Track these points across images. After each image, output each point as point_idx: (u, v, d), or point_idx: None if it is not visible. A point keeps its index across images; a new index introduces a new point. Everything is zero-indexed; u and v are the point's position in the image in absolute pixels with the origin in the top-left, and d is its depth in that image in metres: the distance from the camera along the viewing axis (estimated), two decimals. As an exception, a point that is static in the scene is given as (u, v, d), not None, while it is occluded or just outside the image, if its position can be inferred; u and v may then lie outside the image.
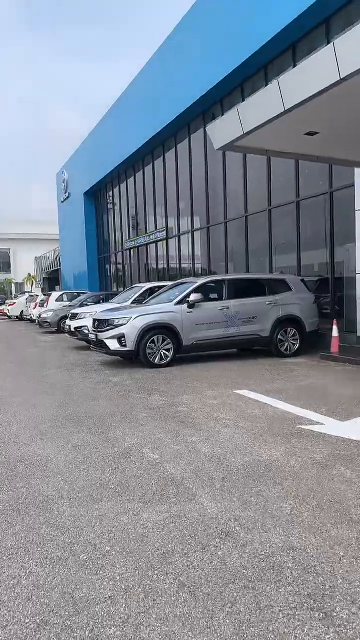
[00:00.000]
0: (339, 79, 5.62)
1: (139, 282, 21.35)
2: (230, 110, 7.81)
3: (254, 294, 9.82)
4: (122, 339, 8.78)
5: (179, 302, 9.15)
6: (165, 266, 19.31)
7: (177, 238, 18.02)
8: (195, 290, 9.27)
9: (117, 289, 25.23)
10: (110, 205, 25.81)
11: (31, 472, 3.96)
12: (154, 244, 20.04)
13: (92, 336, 9.46)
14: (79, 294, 21.40)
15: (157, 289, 12.76)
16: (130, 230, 23.05)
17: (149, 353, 8.81)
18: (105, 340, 8.95)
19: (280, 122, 7.05)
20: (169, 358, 8.94)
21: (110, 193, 25.51)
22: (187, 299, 9.14)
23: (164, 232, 18.70)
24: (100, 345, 9.15)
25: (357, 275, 9.63)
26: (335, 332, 9.60)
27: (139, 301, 12.23)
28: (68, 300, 21.66)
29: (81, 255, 28.58)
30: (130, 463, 4.09)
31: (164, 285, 12.37)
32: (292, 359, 9.49)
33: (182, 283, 10.12)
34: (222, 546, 2.72)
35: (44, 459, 4.25)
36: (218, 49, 13.10)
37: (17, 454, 4.41)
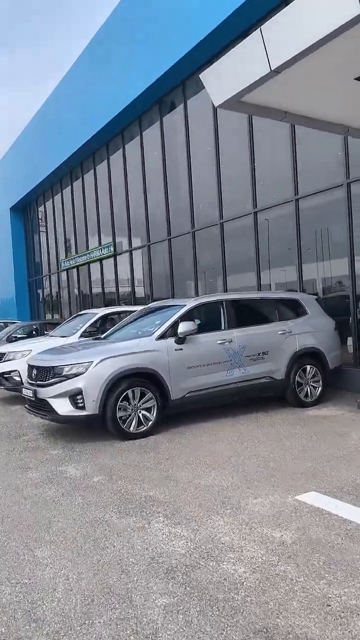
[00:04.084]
0: None
1: (80, 309, 18.05)
2: (245, 40, 5.06)
3: (261, 320, 7.01)
4: (79, 397, 5.58)
5: (162, 336, 6.13)
6: (114, 289, 16.19)
7: (129, 254, 15.01)
8: (184, 317, 6.29)
9: (52, 317, 21.69)
10: (42, 221, 22.38)
11: None
12: (99, 263, 16.89)
13: (27, 392, 6.14)
14: (5, 324, 17.67)
15: (116, 316, 9.69)
16: (68, 248, 19.75)
17: (121, 417, 5.66)
18: (51, 401, 5.70)
19: (332, 48, 4.39)
20: (151, 423, 5.84)
21: (43, 207, 22.14)
22: (175, 330, 6.15)
23: (111, 247, 15.64)
24: (43, 407, 5.87)
25: None
26: (369, 368, 6.99)
27: (90, 334, 9.05)
28: (-7, 333, 17.88)
29: (8, 279, 24.73)
30: None
31: (127, 311, 9.33)
32: (321, 410, 6.71)
33: (160, 308, 7.10)
34: None
35: None
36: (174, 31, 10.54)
37: None
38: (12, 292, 24.39)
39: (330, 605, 2.38)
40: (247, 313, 6.96)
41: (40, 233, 22.60)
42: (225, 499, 3.79)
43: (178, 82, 11.83)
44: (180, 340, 6.12)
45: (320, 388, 7.17)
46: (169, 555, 2.97)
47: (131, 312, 9.22)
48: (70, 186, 19.03)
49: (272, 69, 4.74)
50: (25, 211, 24.33)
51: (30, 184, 21.02)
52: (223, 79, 5.38)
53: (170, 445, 5.37)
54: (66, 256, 19.75)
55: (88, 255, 17.36)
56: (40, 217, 22.61)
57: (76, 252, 18.75)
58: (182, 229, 12.31)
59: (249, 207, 10.01)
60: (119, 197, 15.35)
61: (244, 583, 2.63)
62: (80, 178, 18.04)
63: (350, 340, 8.33)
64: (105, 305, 15.84)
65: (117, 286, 16.03)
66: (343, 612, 2.33)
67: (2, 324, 18.94)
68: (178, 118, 12.26)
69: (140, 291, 15.01)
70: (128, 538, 3.24)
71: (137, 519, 3.54)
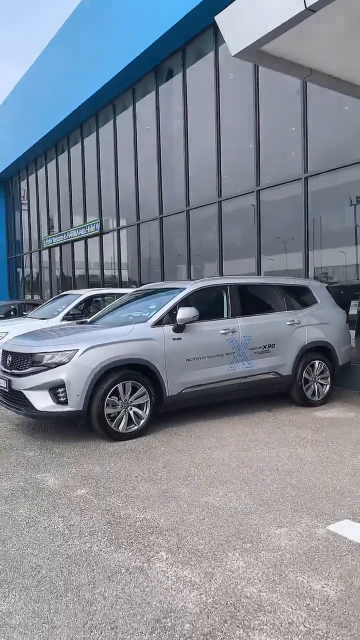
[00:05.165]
0: None
1: (61, 290, 17.14)
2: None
3: (268, 308, 6.29)
4: (61, 390, 4.78)
5: (159, 323, 5.35)
6: (99, 270, 15.29)
7: (116, 233, 14.11)
8: (184, 302, 5.52)
9: (32, 297, 20.71)
10: (24, 196, 21.21)
11: None
12: (83, 242, 15.95)
13: (0, 382, 5.32)
14: (-18, 304, 16.65)
15: (103, 298, 8.88)
16: (51, 225, 18.71)
17: (109, 415, 4.89)
18: (28, 393, 4.89)
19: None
20: (143, 421, 5.08)
21: (25, 181, 20.97)
22: (173, 316, 5.38)
23: (97, 225, 14.71)
24: (18, 400, 5.05)
25: None
26: (381, 366, 6.34)
27: (74, 317, 8.25)
28: (-32, 312, 16.84)
29: (-13, 256, 23.56)
30: None
31: (114, 294, 8.54)
32: (330, 411, 6.05)
33: (155, 291, 6.31)
34: None
35: None
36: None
37: None
38: (-10, 270, 23.26)
39: None
40: (252, 300, 6.22)
41: (22, 208, 21.47)
42: (241, 527, 3.07)
43: (177, 47, 10.90)
44: (179, 329, 5.36)
45: (328, 386, 6.50)
46: (179, 616, 2.24)
47: (119, 294, 8.44)
48: (55, 160, 17.95)
49: (307, 6, 3.95)
50: (6, 185, 23.13)
51: (11, 156, 19.85)
52: (243, 21, 4.56)
53: (166, 450, 4.63)
54: (49, 234, 18.73)
55: (72, 233, 16.40)
56: (22, 191, 21.44)
57: (59, 229, 17.76)
58: (175, 207, 11.48)
59: (251, 184, 9.23)
60: (107, 172, 14.40)
61: (288, 669, 1.91)
62: (66, 151, 16.98)
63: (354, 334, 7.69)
64: (89, 287, 14.97)
65: (102, 267, 15.15)
66: None
67: (-22, 303, 17.90)
68: (176, 87, 11.35)
69: (126, 274, 14.17)
70: (123, 585, 2.50)
71: (132, 554, 2.79)
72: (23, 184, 21.18)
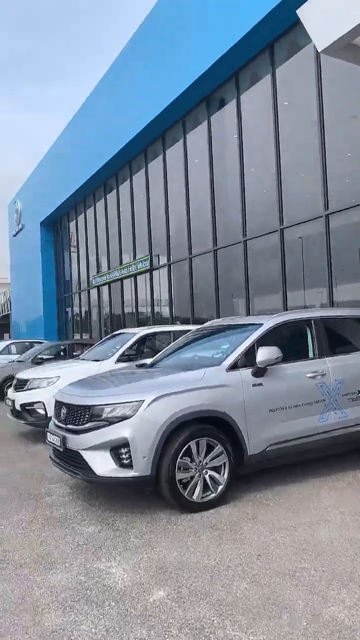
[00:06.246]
0: None
1: (110, 328, 16.66)
2: None
3: (357, 345, 5.35)
4: (124, 450, 3.98)
5: (234, 366, 4.52)
6: (149, 308, 14.72)
7: (167, 269, 13.55)
8: (263, 341, 4.68)
9: (81, 337, 20.38)
10: (73, 235, 21.27)
11: None
12: (133, 279, 15.50)
13: (53, 438, 4.58)
14: (32, 344, 16.32)
15: (155, 337, 8.18)
16: (100, 263, 18.48)
17: (181, 480, 4.04)
18: (84, 454, 4.10)
19: None
20: (221, 487, 4.18)
21: (74, 221, 21.05)
22: (250, 358, 4.54)
23: (147, 262, 14.23)
24: (73, 461, 4.29)
25: None
26: None
27: (129, 358, 7.54)
28: (18, 353, 16.53)
29: (36, 296, 23.65)
30: None
31: (173, 332, 7.82)
32: None
33: (223, 328, 5.52)
34: None
35: None
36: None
37: None
38: (40, 310, 23.25)
39: None
40: (340, 336, 5.32)
41: (71, 248, 21.49)
42: None
43: (230, 74, 10.47)
44: (260, 372, 4.50)
45: None
46: None
47: (178, 333, 7.70)
48: (103, 198, 17.87)
49: None
50: (55, 226, 23.37)
51: (60, 197, 19.99)
52: (333, 10, 3.87)
53: (255, 527, 3.71)
54: (98, 272, 18.48)
55: (121, 271, 16.01)
56: (70, 231, 21.53)
57: (108, 267, 17.46)
58: (231, 239, 10.80)
59: (319, 210, 8.43)
60: (157, 207, 14.01)
61: None
62: (115, 189, 16.84)
63: None
64: (138, 325, 14.37)
65: (152, 305, 14.57)
66: None
67: (28, 343, 17.60)
68: (229, 115, 10.88)
69: (178, 310, 13.50)
70: None
71: None
72: (72, 224, 21.28)
